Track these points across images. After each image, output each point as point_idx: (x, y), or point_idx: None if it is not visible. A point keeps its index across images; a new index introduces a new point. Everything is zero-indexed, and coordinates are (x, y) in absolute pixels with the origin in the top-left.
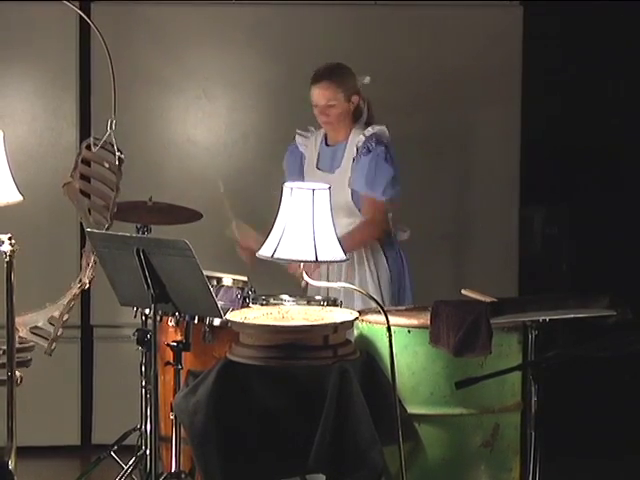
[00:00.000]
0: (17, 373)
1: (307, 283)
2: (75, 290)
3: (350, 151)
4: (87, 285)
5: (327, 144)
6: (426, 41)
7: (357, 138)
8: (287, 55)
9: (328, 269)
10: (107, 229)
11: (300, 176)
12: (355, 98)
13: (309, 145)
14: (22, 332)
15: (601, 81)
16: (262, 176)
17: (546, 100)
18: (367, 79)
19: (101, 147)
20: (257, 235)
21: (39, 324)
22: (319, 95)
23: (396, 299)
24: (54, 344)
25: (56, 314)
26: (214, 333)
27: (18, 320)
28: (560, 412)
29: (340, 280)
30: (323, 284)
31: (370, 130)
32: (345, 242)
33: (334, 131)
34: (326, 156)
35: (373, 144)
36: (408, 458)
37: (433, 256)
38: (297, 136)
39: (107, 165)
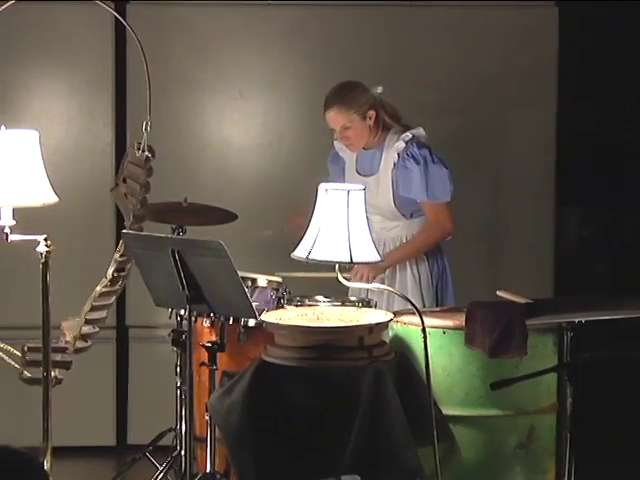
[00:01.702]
0: (57, 374)
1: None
2: (98, 287)
3: (388, 156)
4: (108, 282)
5: (365, 147)
6: (460, 42)
7: (396, 144)
8: (322, 55)
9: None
10: (130, 227)
11: (343, 181)
12: (371, 113)
13: (348, 150)
14: (68, 337)
15: (637, 80)
16: (297, 177)
17: (581, 100)
18: (380, 89)
19: (143, 151)
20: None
21: (85, 329)
22: (332, 121)
23: (438, 300)
24: (80, 342)
25: (95, 315)
26: (249, 334)
27: (65, 325)
28: (596, 414)
29: (382, 281)
30: (357, 285)
31: (408, 135)
32: (411, 244)
33: (359, 147)
34: (365, 160)
35: (415, 149)
36: (443, 459)
37: (468, 257)
38: (335, 142)
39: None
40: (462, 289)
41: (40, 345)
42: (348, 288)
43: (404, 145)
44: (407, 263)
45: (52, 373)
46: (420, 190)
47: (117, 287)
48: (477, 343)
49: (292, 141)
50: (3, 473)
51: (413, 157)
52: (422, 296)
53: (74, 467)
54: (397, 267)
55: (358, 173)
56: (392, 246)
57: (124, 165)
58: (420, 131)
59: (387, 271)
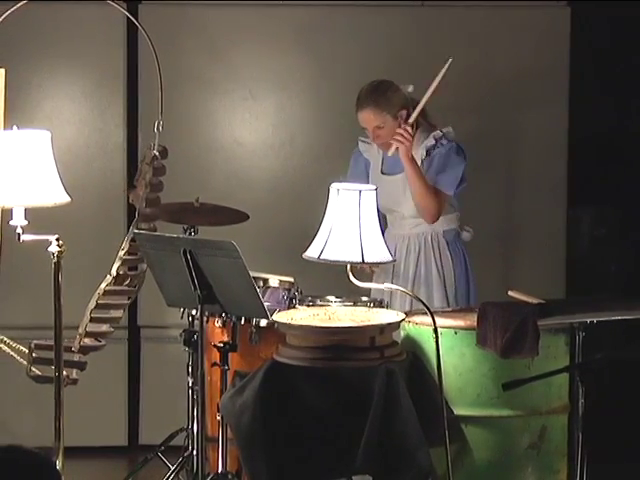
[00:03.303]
0: (73, 374)
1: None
2: (103, 285)
3: (416, 154)
4: (112, 279)
5: None
6: (473, 42)
7: (425, 141)
8: (334, 56)
9: (393, 268)
10: (134, 224)
11: (364, 182)
12: (403, 112)
13: (372, 151)
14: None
15: None
16: (309, 177)
17: (594, 100)
18: (411, 87)
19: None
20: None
21: (103, 328)
22: (365, 121)
23: (459, 300)
24: (92, 341)
25: (110, 314)
26: (261, 334)
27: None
28: (608, 414)
29: (407, 279)
30: (369, 285)
31: (439, 133)
32: (424, 182)
33: (390, 145)
34: (391, 159)
35: (444, 142)
36: (455, 460)
37: (481, 257)
38: (360, 143)
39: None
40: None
41: (47, 343)
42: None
43: (434, 142)
44: (433, 261)
45: (65, 373)
46: (433, 174)
47: (130, 287)
48: (489, 343)
49: (303, 141)
50: (16, 473)
51: (441, 148)
52: (446, 294)
53: (86, 467)
54: (423, 264)
55: (383, 173)
56: (417, 242)
57: (141, 166)
58: (450, 130)
59: (410, 270)
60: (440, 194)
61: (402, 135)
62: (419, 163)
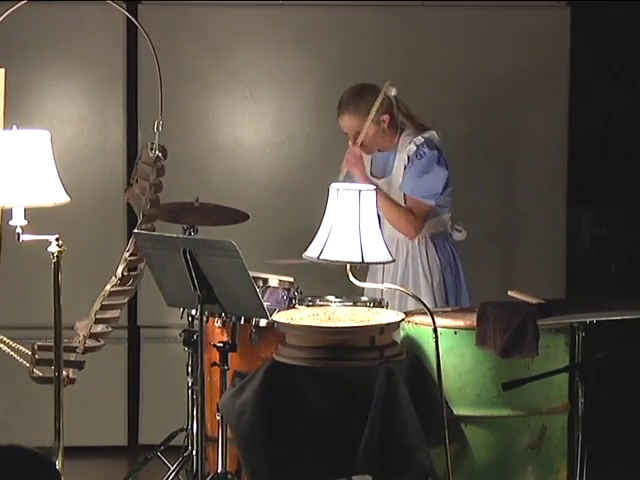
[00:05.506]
0: (70, 374)
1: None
2: (108, 286)
3: (401, 158)
4: (118, 280)
5: (379, 149)
6: (473, 42)
7: (409, 146)
8: (334, 55)
9: (384, 269)
10: (139, 226)
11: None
12: (385, 117)
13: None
14: (82, 336)
15: None
16: (309, 177)
17: (594, 100)
18: (394, 91)
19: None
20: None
21: (98, 328)
22: (346, 127)
23: (450, 301)
24: (92, 342)
25: (108, 314)
26: (260, 334)
27: (79, 325)
28: (608, 414)
29: (395, 280)
30: (368, 285)
31: (420, 139)
32: (393, 204)
33: (373, 150)
34: (379, 162)
35: (426, 150)
36: (455, 460)
37: (480, 257)
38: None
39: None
40: (474, 289)
41: (50, 344)
42: (362, 288)
43: (415, 148)
44: (420, 264)
45: (64, 373)
46: (412, 184)
47: (129, 287)
48: (488, 343)
49: (303, 141)
50: (16, 473)
51: (421, 156)
52: (434, 297)
53: (86, 467)
54: (411, 268)
55: (372, 175)
56: (404, 246)
57: (137, 165)
58: (433, 134)
59: (399, 272)
60: (416, 210)
61: (350, 158)
62: (403, 169)
